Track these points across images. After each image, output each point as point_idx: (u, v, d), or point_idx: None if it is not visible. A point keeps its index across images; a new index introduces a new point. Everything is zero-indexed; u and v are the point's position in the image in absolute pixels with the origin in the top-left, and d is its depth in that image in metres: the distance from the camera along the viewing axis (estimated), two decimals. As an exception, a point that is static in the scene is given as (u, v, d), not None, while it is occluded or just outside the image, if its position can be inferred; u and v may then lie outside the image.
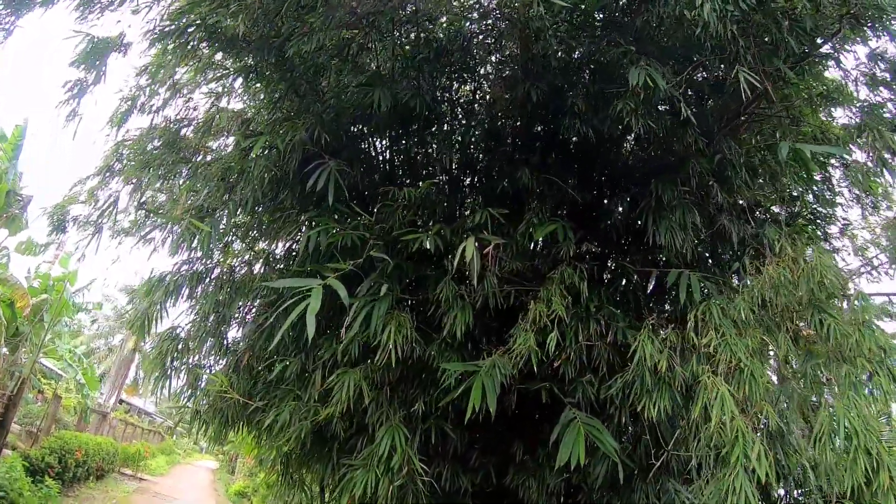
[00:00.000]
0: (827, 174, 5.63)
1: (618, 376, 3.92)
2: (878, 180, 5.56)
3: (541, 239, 4.57)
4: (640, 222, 4.51)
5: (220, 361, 5.46)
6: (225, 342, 5.44)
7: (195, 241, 4.20)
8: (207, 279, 5.27)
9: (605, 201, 5.17)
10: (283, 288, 4.03)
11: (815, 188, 5.71)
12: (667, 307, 4.82)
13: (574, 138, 5.06)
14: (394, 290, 4.11)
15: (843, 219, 5.94)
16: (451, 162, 5.34)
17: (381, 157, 5.44)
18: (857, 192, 5.83)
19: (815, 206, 5.75)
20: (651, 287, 4.49)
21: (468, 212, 4.84)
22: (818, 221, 5.67)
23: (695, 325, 3.69)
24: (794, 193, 5.70)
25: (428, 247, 4.07)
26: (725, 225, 4.56)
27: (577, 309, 4.12)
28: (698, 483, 3.41)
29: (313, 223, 4.08)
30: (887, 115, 4.87)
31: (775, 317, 4.01)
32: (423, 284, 4.54)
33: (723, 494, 3.03)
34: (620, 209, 4.66)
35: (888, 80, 4.90)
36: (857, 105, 5.16)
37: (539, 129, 5.40)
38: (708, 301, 3.77)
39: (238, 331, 5.51)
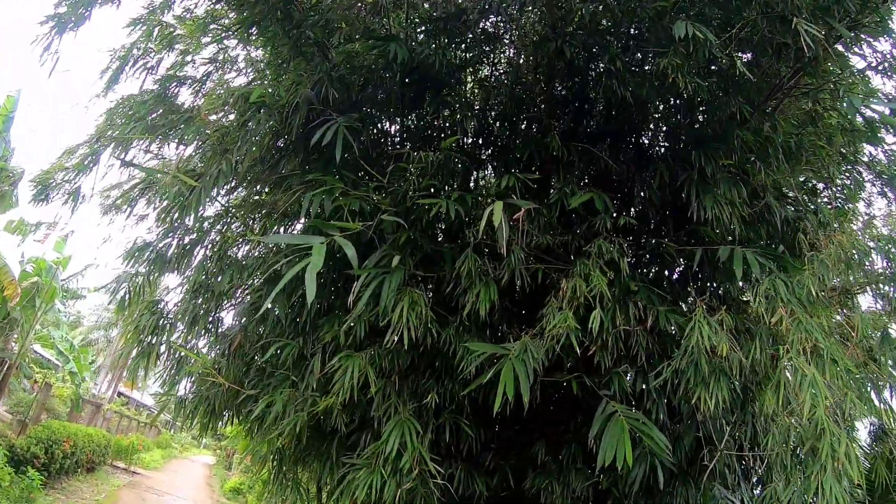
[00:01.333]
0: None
1: (665, 364, 3.43)
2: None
3: (573, 211, 4.07)
4: (682, 195, 4.01)
5: (209, 345, 4.93)
6: (215, 323, 4.90)
7: (185, 202, 3.67)
8: (197, 250, 4.73)
9: (642, 172, 4.66)
10: (281, 250, 3.51)
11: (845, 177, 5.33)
12: (712, 287, 4.30)
13: (606, 103, 4.66)
14: (406, 263, 3.59)
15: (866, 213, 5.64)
16: (472, 128, 4.82)
17: (395, 122, 4.90)
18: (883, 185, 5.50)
19: (840, 197, 5.32)
20: (695, 266, 3.98)
21: (492, 179, 4.35)
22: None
23: (758, 304, 3.18)
24: (819, 184, 5.30)
25: (447, 213, 3.55)
26: (771, 203, 4.16)
27: (614, 289, 3.61)
28: (771, 487, 2.89)
29: (317, 185, 3.55)
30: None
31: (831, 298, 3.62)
32: (438, 260, 4.02)
33: (810, 497, 2.50)
34: (658, 181, 4.14)
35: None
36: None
37: (569, 92, 4.90)
38: (772, 277, 3.25)
39: (229, 311, 4.99)
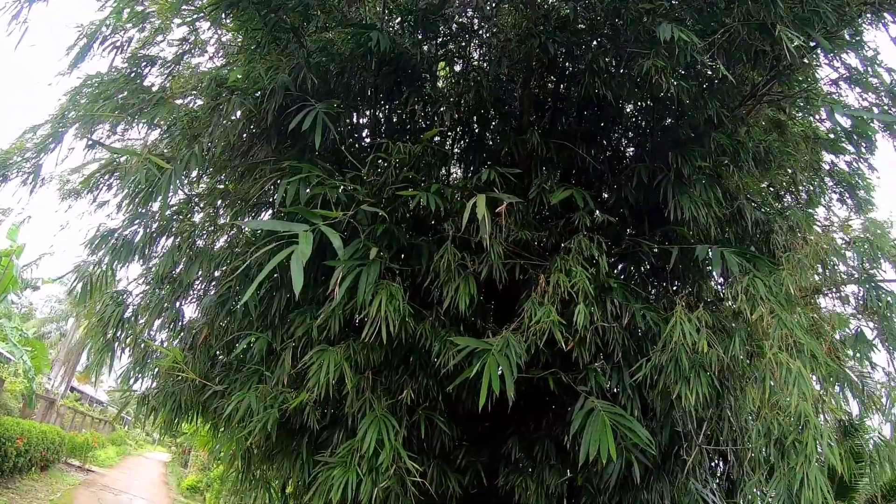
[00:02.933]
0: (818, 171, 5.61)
1: (643, 360, 3.43)
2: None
3: (551, 208, 4.06)
4: (659, 195, 4.04)
5: (171, 338, 4.73)
6: (180, 317, 4.70)
7: (154, 187, 3.49)
8: (163, 239, 4.54)
9: (619, 172, 4.69)
10: (252, 242, 3.39)
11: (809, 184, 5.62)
12: (688, 286, 4.33)
13: (584, 103, 4.69)
14: (384, 256, 3.50)
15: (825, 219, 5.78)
16: (448, 121, 4.74)
17: (370, 113, 4.79)
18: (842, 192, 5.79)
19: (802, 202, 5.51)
20: (671, 265, 4.00)
21: (471, 172, 4.29)
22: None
23: (740, 301, 3.21)
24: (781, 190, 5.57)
25: (427, 206, 3.47)
26: (743, 205, 4.33)
27: (593, 285, 3.58)
28: (756, 478, 2.93)
29: (291, 173, 3.43)
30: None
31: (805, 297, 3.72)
32: (415, 253, 3.94)
33: (796, 488, 2.52)
34: (635, 181, 4.16)
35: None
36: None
37: (546, 90, 4.88)
38: (751, 276, 3.27)
39: (196, 305, 4.80)
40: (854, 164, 5.62)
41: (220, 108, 3.83)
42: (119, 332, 4.37)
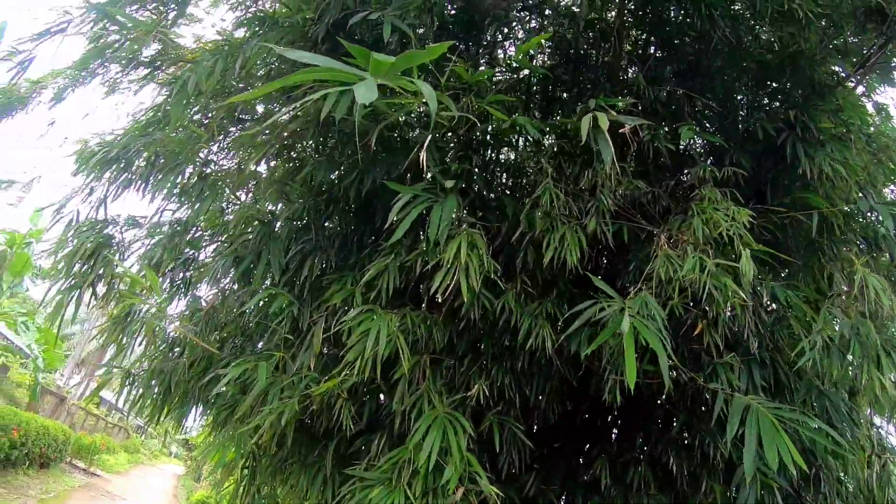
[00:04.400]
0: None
1: (809, 340, 2.54)
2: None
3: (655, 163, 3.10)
4: (783, 154, 3.20)
5: (175, 303, 3.72)
6: (183, 271, 3.68)
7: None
8: (176, 164, 3.50)
9: (736, 126, 3.76)
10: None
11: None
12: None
13: (697, 49, 3.82)
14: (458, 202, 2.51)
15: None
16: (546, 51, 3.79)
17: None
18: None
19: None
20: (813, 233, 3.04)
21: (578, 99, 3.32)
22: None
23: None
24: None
25: (528, 131, 2.49)
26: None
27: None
28: None
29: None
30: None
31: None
32: (495, 207, 2.96)
33: None
34: (761, 134, 3.27)
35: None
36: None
37: (652, 31, 3.97)
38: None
39: (203, 257, 3.77)
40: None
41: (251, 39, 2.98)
42: (93, 267, 3.27)
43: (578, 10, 3.98)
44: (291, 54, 1.54)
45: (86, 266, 3.19)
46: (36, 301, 18.67)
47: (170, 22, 3.63)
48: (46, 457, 13.59)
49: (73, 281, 3.21)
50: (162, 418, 3.48)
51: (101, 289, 3.23)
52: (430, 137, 2.19)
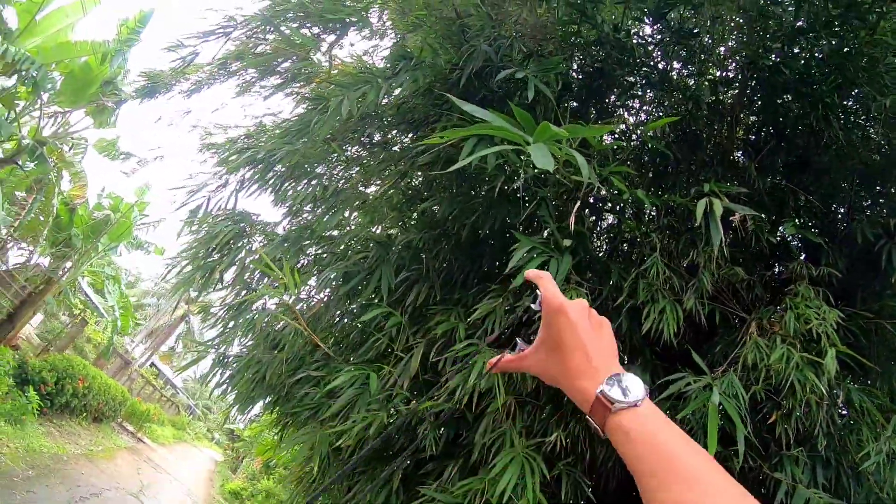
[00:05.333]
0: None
1: (879, 443, 2.58)
2: None
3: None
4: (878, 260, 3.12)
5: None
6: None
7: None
8: (310, 175, 3.79)
9: (849, 223, 3.75)
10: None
11: None
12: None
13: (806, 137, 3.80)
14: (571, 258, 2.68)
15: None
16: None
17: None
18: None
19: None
20: None
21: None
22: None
23: None
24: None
25: (643, 204, 2.65)
26: None
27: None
28: None
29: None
30: None
31: None
32: (597, 269, 3.11)
33: None
34: (860, 239, 3.25)
35: None
36: None
37: (767, 120, 4.04)
38: None
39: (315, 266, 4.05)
40: None
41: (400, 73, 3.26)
42: (224, 256, 3.62)
43: (700, 92, 4.15)
44: (467, 107, 1.76)
45: (220, 254, 3.54)
46: (121, 267, 19.87)
47: (327, 45, 3.98)
48: (101, 413, 14.39)
49: (204, 263, 3.55)
50: (250, 406, 3.75)
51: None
52: (577, 205, 2.38)
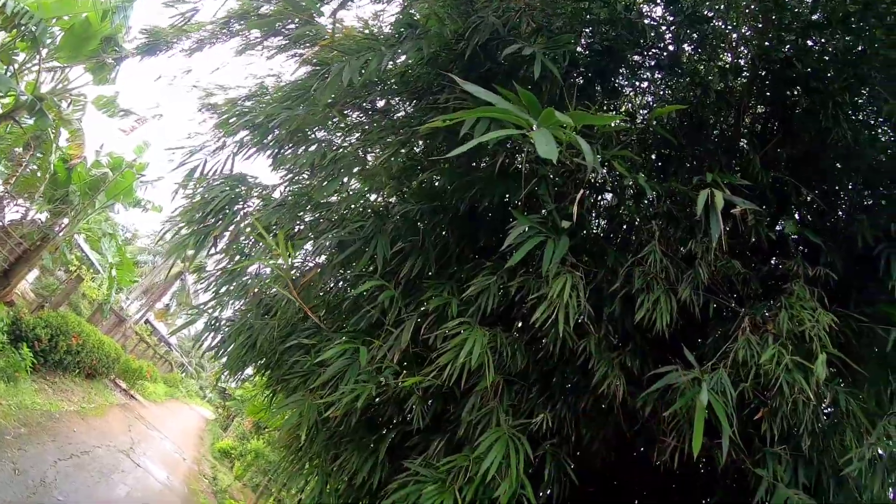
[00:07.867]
0: None
1: (862, 448, 2.61)
2: None
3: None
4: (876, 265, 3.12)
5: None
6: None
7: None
8: (310, 140, 3.73)
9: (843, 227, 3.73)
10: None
11: None
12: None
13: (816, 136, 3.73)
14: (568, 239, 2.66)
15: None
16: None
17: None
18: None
19: None
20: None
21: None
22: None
23: None
24: None
25: (644, 191, 2.62)
26: None
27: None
28: None
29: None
30: None
31: None
32: (596, 253, 3.09)
33: None
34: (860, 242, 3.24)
35: None
36: None
37: (773, 115, 3.99)
38: None
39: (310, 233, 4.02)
40: None
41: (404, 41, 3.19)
42: (220, 221, 3.57)
43: (710, 78, 4.09)
44: (470, 88, 1.72)
45: (215, 218, 3.51)
46: (119, 223, 19.84)
47: (331, 8, 3.89)
48: (95, 369, 14.42)
49: (199, 227, 3.52)
50: (241, 371, 3.76)
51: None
52: (580, 193, 2.35)
